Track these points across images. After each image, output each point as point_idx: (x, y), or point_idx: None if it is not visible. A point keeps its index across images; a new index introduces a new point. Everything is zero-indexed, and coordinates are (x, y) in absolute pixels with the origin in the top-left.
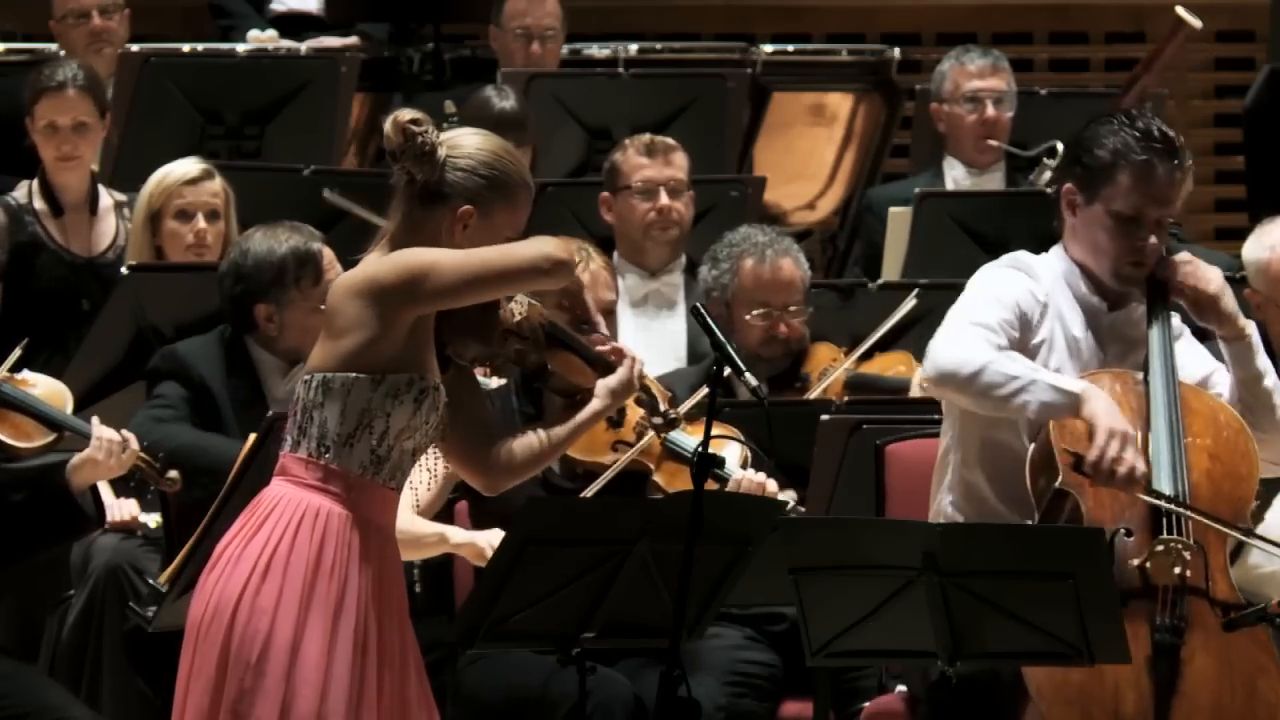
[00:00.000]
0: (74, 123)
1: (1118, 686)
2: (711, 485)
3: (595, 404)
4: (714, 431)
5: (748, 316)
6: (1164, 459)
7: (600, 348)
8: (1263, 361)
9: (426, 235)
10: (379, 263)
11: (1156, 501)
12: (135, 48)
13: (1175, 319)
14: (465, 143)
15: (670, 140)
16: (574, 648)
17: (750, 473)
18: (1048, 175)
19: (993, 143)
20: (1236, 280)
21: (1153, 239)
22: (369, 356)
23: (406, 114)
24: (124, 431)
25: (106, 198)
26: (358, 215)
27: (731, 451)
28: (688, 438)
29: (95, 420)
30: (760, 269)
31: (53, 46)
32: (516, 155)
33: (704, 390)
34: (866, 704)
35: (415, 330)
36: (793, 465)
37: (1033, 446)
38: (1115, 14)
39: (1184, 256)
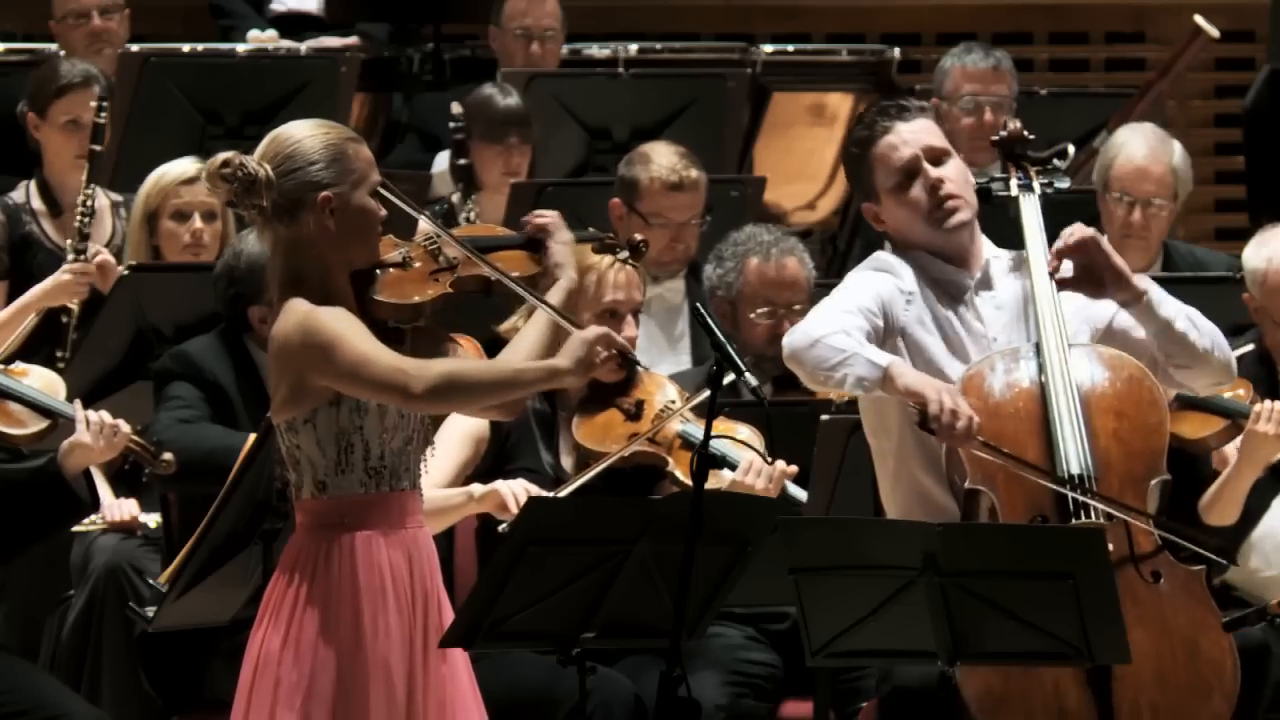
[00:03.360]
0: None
1: (1057, 683)
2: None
3: (562, 280)
4: (738, 437)
5: (752, 315)
6: (1066, 437)
7: (525, 230)
8: (1167, 309)
9: (305, 245)
10: (282, 325)
11: (1054, 486)
12: (135, 48)
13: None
14: (278, 148)
15: (694, 172)
16: (574, 648)
17: (756, 460)
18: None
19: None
20: (1235, 280)
21: (935, 171)
22: (312, 390)
23: (214, 162)
24: (103, 413)
25: (102, 198)
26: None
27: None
28: (699, 428)
29: (77, 404)
30: (765, 268)
31: (53, 46)
32: (329, 123)
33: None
34: (866, 704)
35: None
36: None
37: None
38: (1115, 14)
39: (1086, 230)
